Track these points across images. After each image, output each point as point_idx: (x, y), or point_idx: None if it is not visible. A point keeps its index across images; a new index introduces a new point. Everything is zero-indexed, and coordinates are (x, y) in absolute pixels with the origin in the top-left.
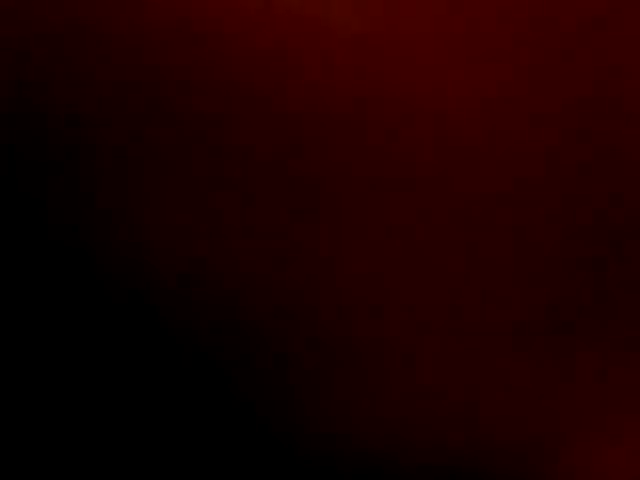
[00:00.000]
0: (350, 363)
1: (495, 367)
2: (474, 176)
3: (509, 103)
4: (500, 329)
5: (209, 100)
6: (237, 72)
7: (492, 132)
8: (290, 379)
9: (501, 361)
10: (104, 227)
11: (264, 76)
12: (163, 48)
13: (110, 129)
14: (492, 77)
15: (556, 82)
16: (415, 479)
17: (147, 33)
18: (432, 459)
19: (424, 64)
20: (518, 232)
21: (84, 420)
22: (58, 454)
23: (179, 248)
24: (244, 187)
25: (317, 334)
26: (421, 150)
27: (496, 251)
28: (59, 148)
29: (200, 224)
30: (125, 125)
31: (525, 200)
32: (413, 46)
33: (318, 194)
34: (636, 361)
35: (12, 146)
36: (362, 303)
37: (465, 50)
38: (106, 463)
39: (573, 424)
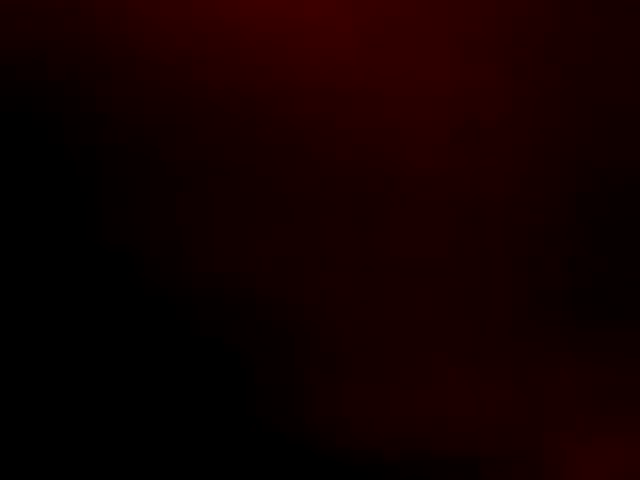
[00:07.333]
0: (350, 363)
1: (495, 368)
2: (470, 176)
3: (502, 99)
4: (500, 330)
5: (212, 105)
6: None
7: (486, 131)
8: (292, 380)
9: (501, 362)
10: (106, 227)
11: (268, 82)
12: (162, 50)
13: (113, 130)
14: (483, 75)
15: (540, 77)
16: (415, 474)
17: (146, 32)
18: (431, 459)
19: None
20: (514, 229)
21: (84, 419)
22: (58, 453)
23: (181, 249)
24: (246, 187)
25: (320, 335)
26: (421, 149)
27: (492, 249)
28: (60, 148)
29: (202, 225)
30: (130, 126)
31: (520, 201)
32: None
33: (320, 197)
34: (635, 362)
35: (13, 146)
36: (362, 303)
37: (440, 49)
38: (106, 463)
39: (572, 423)
